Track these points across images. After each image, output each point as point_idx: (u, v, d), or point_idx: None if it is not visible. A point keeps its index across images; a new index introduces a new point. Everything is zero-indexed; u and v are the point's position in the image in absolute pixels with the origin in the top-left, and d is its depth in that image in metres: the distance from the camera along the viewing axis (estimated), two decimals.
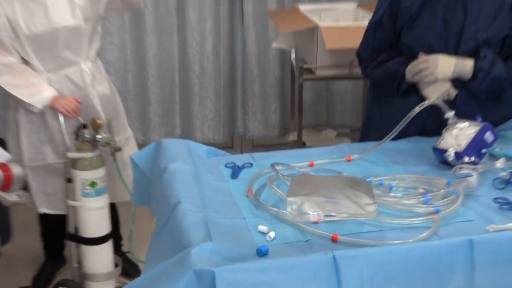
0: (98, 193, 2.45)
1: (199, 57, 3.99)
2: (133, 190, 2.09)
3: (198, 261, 1.28)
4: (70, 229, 2.55)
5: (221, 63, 4.02)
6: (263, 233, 1.47)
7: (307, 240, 1.44)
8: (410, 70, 2.07)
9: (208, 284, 1.24)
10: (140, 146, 2.44)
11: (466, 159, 1.77)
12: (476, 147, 1.83)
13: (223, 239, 1.41)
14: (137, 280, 1.44)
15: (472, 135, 1.85)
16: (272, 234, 1.45)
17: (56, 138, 2.53)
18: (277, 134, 4.25)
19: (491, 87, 2.04)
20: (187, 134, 4.11)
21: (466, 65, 2.02)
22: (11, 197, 2.21)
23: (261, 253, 1.36)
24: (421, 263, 1.35)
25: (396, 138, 1.94)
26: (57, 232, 2.73)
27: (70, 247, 2.60)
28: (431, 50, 2.06)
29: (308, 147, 3.58)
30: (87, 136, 2.41)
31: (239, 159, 1.96)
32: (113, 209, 2.79)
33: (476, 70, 2.01)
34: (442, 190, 1.64)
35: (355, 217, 1.51)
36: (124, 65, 3.93)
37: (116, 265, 2.62)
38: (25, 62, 2.45)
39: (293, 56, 3.49)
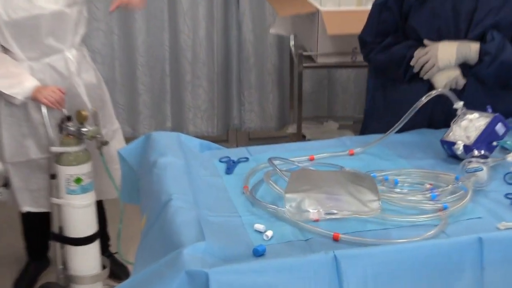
0: (84, 190, 2.45)
1: (191, 43, 3.98)
2: (121, 186, 2.10)
3: (191, 261, 1.28)
4: (55, 229, 2.55)
5: (215, 49, 4.02)
6: (260, 232, 1.47)
7: (307, 239, 1.44)
8: (414, 67, 2.10)
9: (201, 286, 1.24)
10: (128, 139, 2.44)
11: (476, 152, 1.78)
12: (487, 140, 1.84)
13: (217, 238, 1.42)
14: (127, 281, 1.45)
15: (482, 127, 1.85)
16: (269, 233, 1.45)
17: (39, 131, 2.53)
18: (275, 126, 4.25)
19: (499, 72, 2.05)
20: (178, 126, 4.11)
21: (472, 48, 2.03)
22: None
23: (258, 253, 1.36)
24: (428, 262, 1.36)
25: (401, 130, 1.95)
26: (41, 231, 2.73)
27: (55, 247, 2.60)
28: (439, 34, 2.07)
29: (308, 140, 3.59)
30: (72, 129, 2.41)
31: (234, 153, 1.97)
32: (100, 207, 2.78)
33: (482, 53, 2.02)
34: (450, 186, 1.65)
35: (358, 215, 1.52)
36: (111, 52, 3.92)
37: (104, 267, 2.63)
38: (5, 50, 2.44)
39: (292, 42, 3.49)
